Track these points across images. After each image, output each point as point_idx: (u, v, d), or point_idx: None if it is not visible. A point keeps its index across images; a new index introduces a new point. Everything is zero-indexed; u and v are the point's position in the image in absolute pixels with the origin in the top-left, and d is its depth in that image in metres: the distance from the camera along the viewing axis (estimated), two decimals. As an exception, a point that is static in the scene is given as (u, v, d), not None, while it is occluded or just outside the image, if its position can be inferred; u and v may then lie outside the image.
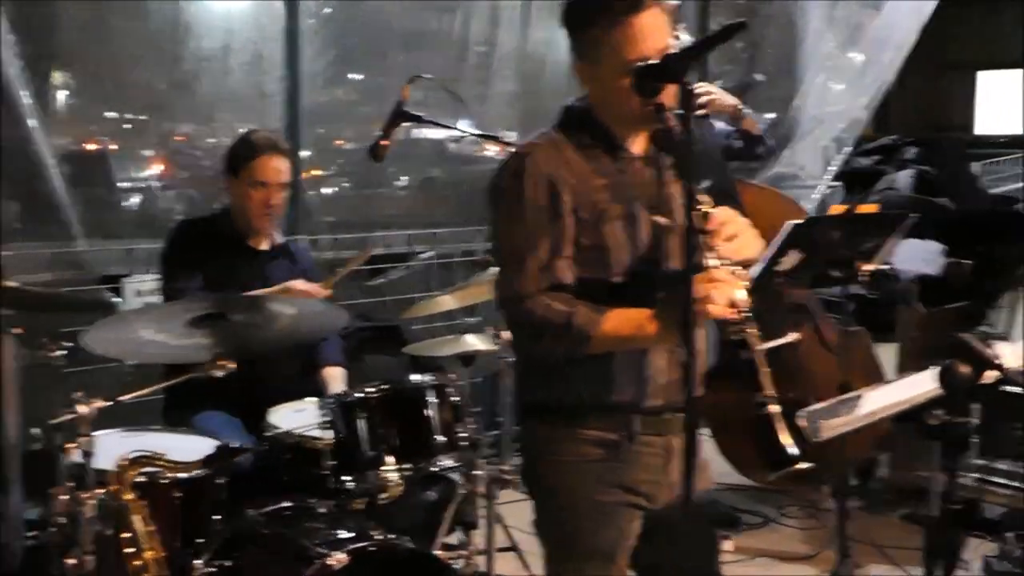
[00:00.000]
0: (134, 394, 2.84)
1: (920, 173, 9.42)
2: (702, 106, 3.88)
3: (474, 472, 3.53)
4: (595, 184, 2.34)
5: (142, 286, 4.54)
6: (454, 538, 3.79)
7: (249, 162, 3.65)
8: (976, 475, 4.69)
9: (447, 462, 3.24)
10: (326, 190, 6.27)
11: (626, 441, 2.35)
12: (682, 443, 2.37)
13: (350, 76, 5.58)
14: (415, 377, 3.28)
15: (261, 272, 3.72)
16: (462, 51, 5.87)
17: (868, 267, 3.58)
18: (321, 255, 5.00)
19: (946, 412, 2.26)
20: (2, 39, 4.20)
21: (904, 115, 12.98)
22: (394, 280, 5.58)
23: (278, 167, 3.68)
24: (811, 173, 6.61)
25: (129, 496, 2.41)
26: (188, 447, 3.01)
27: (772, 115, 6.29)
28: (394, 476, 3.11)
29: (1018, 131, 12.56)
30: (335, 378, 3.79)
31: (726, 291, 2.13)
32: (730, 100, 4.05)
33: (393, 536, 2.95)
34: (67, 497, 2.84)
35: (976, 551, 4.04)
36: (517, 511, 3.81)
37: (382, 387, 3.18)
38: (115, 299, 4.48)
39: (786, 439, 2.18)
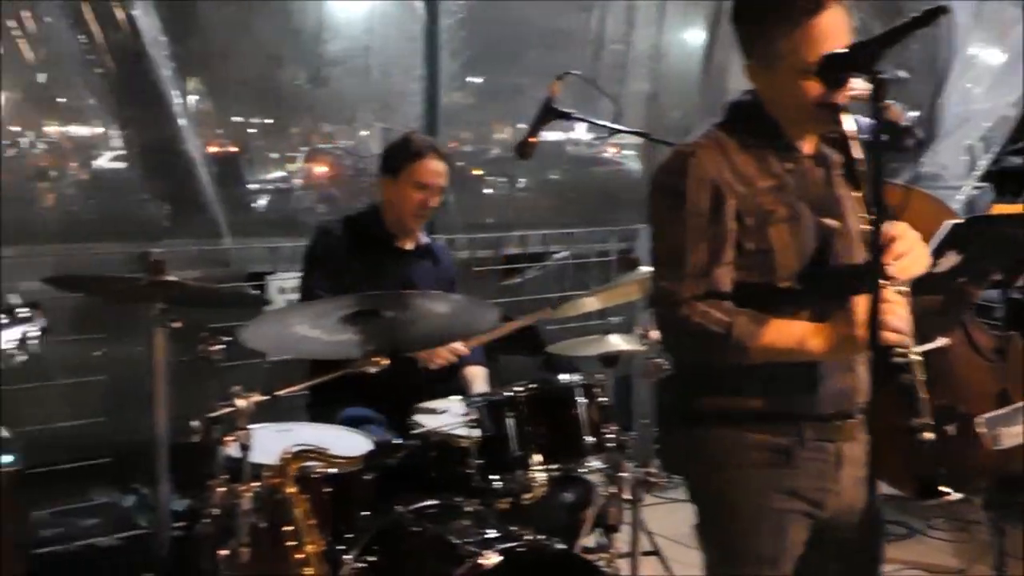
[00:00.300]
0: (290, 389, 2.87)
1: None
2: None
3: (620, 474, 3.48)
4: (761, 186, 2.27)
5: (285, 283, 4.60)
6: (591, 540, 3.75)
7: (411, 164, 3.66)
8: None
9: (595, 463, 3.20)
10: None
11: (797, 447, 2.28)
12: (853, 450, 2.32)
13: (468, 79, 5.58)
14: (564, 377, 3.25)
15: (405, 272, 3.73)
16: (597, 50, 5.82)
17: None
18: (456, 255, 5.01)
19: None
20: (153, 41, 4.32)
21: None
22: (529, 280, 5.57)
23: (438, 169, 3.69)
24: (955, 173, 6.39)
25: (292, 489, 2.42)
26: (339, 442, 3.03)
27: (915, 113, 6.10)
28: (541, 476, 3.09)
29: None
30: (478, 377, 3.80)
31: (898, 314, 2.06)
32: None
33: (543, 537, 2.92)
34: (224, 489, 2.89)
35: None
36: (659, 515, 3.77)
37: (530, 386, 3.16)
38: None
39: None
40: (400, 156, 3.72)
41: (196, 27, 4.74)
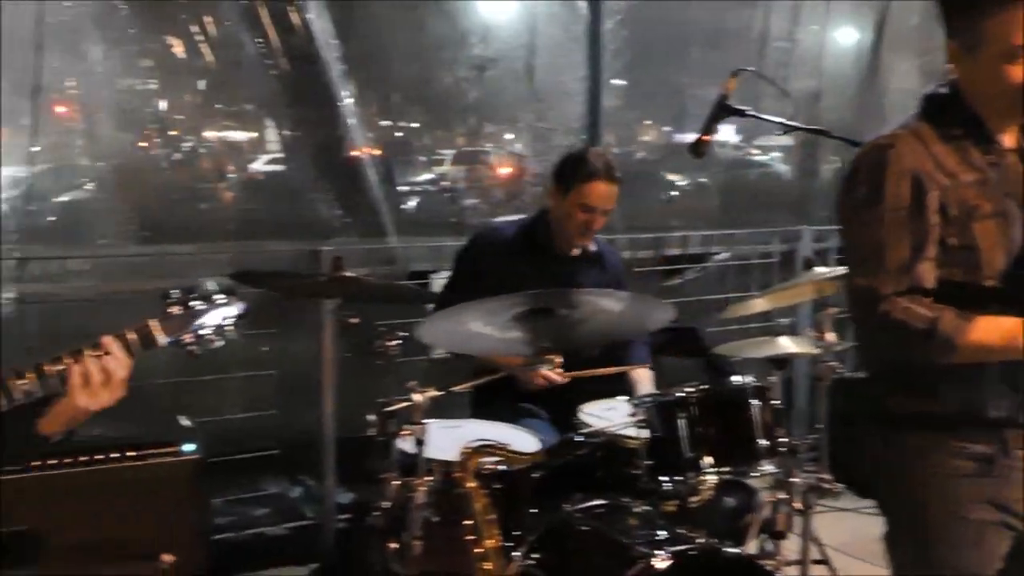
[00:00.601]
0: (464, 385, 2.90)
1: None
2: None
3: (791, 480, 3.40)
4: (965, 179, 2.18)
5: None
6: (753, 547, 3.67)
7: (581, 184, 3.61)
8: None
9: (767, 467, 3.13)
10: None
11: (999, 454, 2.19)
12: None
13: (612, 82, 5.54)
14: (736, 378, 3.19)
15: (571, 276, 3.70)
16: (761, 47, 5.73)
17: None
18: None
19: None
20: (325, 43, 4.42)
21: None
22: (689, 281, 5.51)
23: (607, 193, 3.63)
24: None
25: (472, 484, 2.44)
26: (508, 440, 3.03)
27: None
28: (712, 479, 3.03)
29: None
30: (644, 379, 3.75)
31: None
32: None
33: (715, 540, 2.87)
34: (398, 483, 2.93)
35: None
36: (825, 523, 3.67)
37: (702, 387, 3.10)
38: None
39: None
40: (572, 174, 3.65)
41: (363, 29, 4.83)
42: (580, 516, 3.01)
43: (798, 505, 3.51)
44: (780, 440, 3.13)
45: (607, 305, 2.99)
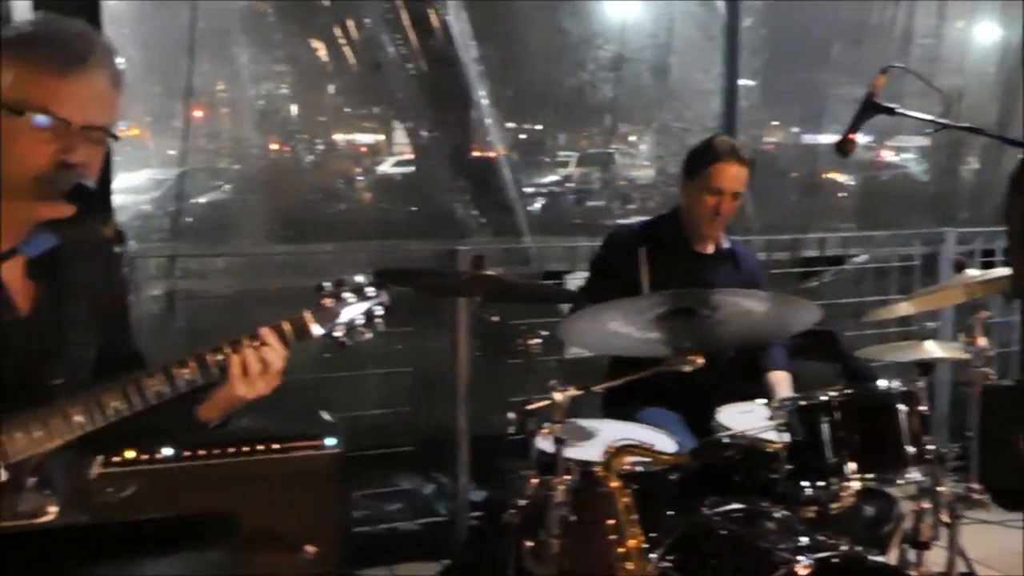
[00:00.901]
0: (604, 384, 2.89)
1: None
2: None
3: (937, 488, 3.29)
4: None
5: (582, 282, 4.66)
6: (893, 557, 3.57)
7: (707, 167, 3.61)
8: None
9: (913, 475, 3.04)
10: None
11: None
12: None
13: (741, 82, 5.46)
14: (882, 383, 3.10)
15: (705, 276, 3.67)
16: (905, 45, 5.59)
17: None
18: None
19: None
20: (463, 44, 4.47)
21: None
22: (826, 284, 5.40)
23: (735, 175, 3.61)
24: None
25: (615, 483, 2.43)
26: (648, 440, 3.02)
27: None
28: (855, 485, 2.96)
29: None
30: (782, 382, 3.69)
31: None
32: None
33: (860, 548, 2.80)
34: (537, 481, 2.93)
35: None
36: (969, 535, 3.54)
37: (846, 391, 3.03)
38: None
39: None
40: (699, 159, 3.66)
41: (500, 29, 4.87)
42: (719, 519, 2.98)
43: (944, 516, 3.39)
44: (927, 447, 3.04)
45: (750, 306, 2.95)
